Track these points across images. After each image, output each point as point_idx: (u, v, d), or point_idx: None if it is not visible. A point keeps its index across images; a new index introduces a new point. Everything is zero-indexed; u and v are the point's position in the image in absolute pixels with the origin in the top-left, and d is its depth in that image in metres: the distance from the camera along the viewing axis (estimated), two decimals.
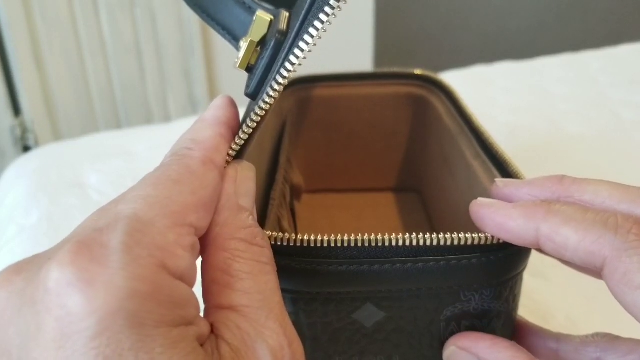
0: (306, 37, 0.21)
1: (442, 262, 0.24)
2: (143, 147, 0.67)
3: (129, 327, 0.15)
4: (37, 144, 1.22)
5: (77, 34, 1.20)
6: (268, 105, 0.22)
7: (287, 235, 0.24)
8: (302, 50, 0.21)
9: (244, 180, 0.22)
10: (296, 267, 0.24)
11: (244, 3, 0.24)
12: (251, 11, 0.24)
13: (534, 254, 0.45)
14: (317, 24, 0.21)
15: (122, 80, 1.27)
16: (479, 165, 0.34)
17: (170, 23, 1.26)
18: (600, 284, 0.43)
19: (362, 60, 1.51)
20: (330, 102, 0.49)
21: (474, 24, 1.84)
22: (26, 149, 1.23)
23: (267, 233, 0.24)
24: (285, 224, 0.36)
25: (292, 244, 0.24)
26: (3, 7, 1.10)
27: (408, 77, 0.47)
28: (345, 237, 0.24)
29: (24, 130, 1.22)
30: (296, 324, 0.25)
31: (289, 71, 0.21)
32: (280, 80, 0.21)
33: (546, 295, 0.41)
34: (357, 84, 0.48)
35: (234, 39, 0.25)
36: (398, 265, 0.24)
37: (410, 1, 1.77)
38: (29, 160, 0.67)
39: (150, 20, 1.25)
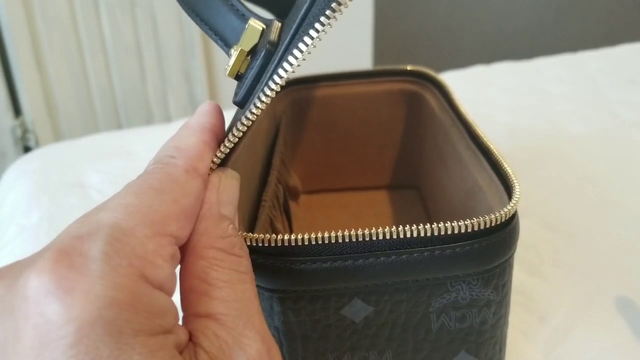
0: (295, 52, 0.21)
1: (426, 253, 0.24)
2: (143, 148, 0.67)
3: (108, 335, 0.15)
4: (37, 145, 1.22)
5: (78, 34, 1.20)
6: (255, 116, 0.22)
7: (268, 235, 0.24)
8: (291, 64, 0.21)
9: (227, 189, 0.22)
10: (281, 267, 0.24)
11: (238, 10, 0.24)
12: (244, 19, 0.24)
13: (534, 254, 0.45)
14: (307, 39, 0.21)
15: (122, 81, 1.27)
16: (469, 157, 0.34)
17: (171, 24, 1.26)
18: (599, 283, 0.43)
19: (361, 61, 1.51)
20: (325, 102, 0.49)
21: (473, 24, 1.84)
22: (27, 149, 1.24)
23: (250, 235, 0.24)
24: (279, 225, 0.36)
25: (274, 244, 0.24)
26: (3, 8, 1.10)
27: (401, 73, 0.47)
28: (326, 234, 0.24)
29: (25, 131, 1.22)
30: (285, 323, 0.25)
31: (276, 83, 0.21)
32: (268, 92, 0.21)
33: (545, 295, 0.41)
34: (351, 83, 0.48)
35: (226, 45, 0.25)
36: (382, 258, 0.24)
37: (410, 1, 1.78)
38: (30, 160, 0.67)
39: (150, 20, 1.25)
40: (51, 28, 1.16)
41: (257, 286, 0.25)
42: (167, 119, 1.35)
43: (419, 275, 0.25)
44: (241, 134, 0.22)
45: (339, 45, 1.44)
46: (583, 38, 1.85)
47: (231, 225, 0.21)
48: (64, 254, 0.16)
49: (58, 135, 1.25)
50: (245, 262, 0.20)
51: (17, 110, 1.21)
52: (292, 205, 0.46)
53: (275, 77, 0.21)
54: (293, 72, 0.21)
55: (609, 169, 0.58)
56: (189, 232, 0.19)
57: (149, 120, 1.34)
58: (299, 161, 0.51)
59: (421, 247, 0.24)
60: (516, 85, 0.83)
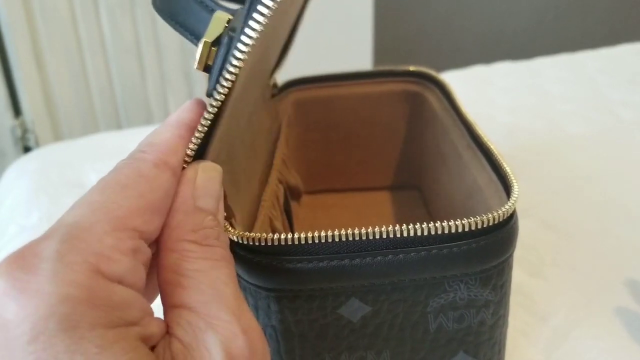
0: (247, 30, 0.21)
1: (422, 253, 0.24)
2: None
3: (62, 331, 0.15)
4: (37, 144, 1.22)
5: (78, 34, 1.20)
6: (219, 102, 0.22)
7: (265, 234, 0.24)
8: (246, 44, 0.21)
9: (205, 181, 0.21)
10: (277, 266, 0.24)
11: (207, 6, 0.24)
12: (213, 13, 0.24)
13: (534, 254, 0.45)
14: (257, 16, 0.21)
15: (122, 81, 1.27)
16: (469, 156, 0.34)
17: None
18: (599, 284, 0.43)
19: (361, 61, 1.51)
20: (327, 102, 0.49)
21: (473, 24, 1.84)
22: (27, 149, 1.23)
23: (247, 234, 0.24)
24: (278, 224, 0.36)
25: (270, 243, 0.24)
26: (3, 8, 1.10)
27: (403, 74, 0.47)
28: (323, 233, 0.24)
29: (25, 131, 1.22)
30: (282, 322, 0.26)
31: (235, 66, 0.21)
32: (228, 75, 0.21)
33: (545, 295, 0.41)
34: (353, 84, 0.48)
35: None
36: (379, 258, 0.24)
37: (410, 1, 1.78)
38: (30, 160, 0.67)
39: (150, 20, 1.25)
40: (51, 28, 1.16)
41: (254, 285, 0.25)
42: None
43: (416, 275, 0.25)
44: (208, 122, 0.22)
45: (339, 45, 1.44)
46: (583, 38, 1.85)
47: (209, 217, 0.21)
48: (20, 256, 0.16)
49: (58, 135, 1.25)
50: (219, 250, 0.20)
51: (17, 110, 1.21)
52: (294, 205, 0.46)
53: (232, 60, 0.21)
54: (253, 44, 0.21)
55: (609, 169, 0.58)
56: (157, 226, 0.19)
57: (148, 120, 1.34)
58: (301, 161, 0.51)
59: (418, 246, 0.24)
60: (516, 85, 0.83)
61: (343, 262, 0.24)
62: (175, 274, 0.19)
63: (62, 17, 1.16)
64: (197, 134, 0.22)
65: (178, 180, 0.21)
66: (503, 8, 1.84)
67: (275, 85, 0.47)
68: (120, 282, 0.17)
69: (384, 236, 0.24)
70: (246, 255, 0.24)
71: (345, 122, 0.50)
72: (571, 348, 0.37)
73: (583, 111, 0.73)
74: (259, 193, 0.36)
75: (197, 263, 0.19)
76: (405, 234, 0.24)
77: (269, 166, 0.40)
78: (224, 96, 0.22)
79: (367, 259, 0.24)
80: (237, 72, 0.21)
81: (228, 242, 0.21)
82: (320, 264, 0.24)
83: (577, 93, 0.79)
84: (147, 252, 0.19)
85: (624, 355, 0.36)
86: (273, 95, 0.47)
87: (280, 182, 0.41)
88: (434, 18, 1.81)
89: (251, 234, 0.24)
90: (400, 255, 0.24)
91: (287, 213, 0.42)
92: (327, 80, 0.49)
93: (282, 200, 0.40)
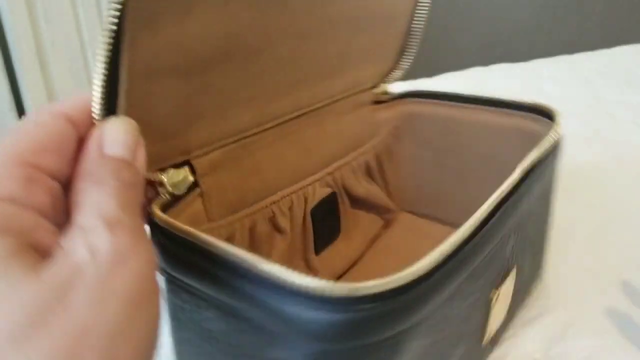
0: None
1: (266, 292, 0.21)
2: None
3: None
4: None
5: (80, 34, 1.21)
6: (109, 47, 0.22)
7: (155, 212, 0.25)
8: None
9: (112, 131, 0.23)
10: (160, 248, 0.25)
11: None
12: None
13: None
14: None
15: None
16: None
17: None
18: (595, 283, 0.43)
19: None
20: (445, 122, 0.45)
21: (470, 26, 1.85)
22: None
23: (152, 210, 0.25)
24: (284, 221, 0.36)
25: (156, 222, 0.25)
26: (6, 8, 1.11)
27: (529, 109, 0.41)
28: (197, 232, 0.24)
29: None
30: (168, 301, 0.27)
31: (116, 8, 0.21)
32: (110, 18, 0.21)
33: (543, 293, 0.41)
34: (474, 108, 0.44)
35: None
36: (234, 279, 0.22)
37: None
38: None
39: None
40: (54, 28, 1.17)
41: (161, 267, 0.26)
42: None
43: (252, 313, 0.22)
44: (104, 76, 0.22)
45: None
46: (580, 40, 1.86)
47: (116, 162, 0.22)
48: None
49: None
50: (113, 187, 0.22)
51: (20, 110, 1.22)
52: (369, 217, 0.44)
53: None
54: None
55: (606, 169, 0.59)
56: (59, 166, 0.22)
57: None
58: (407, 177, 0.47)
59: (269, 287, 0.21)
60: (513, 86, 0.84)
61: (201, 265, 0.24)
62: (72, 204, 0.21)
63: (65, 17, 1.17)
64: (94, 92, 0.23)
65: (79, 130, 0.23)
66: (501, 10, 1.85)
67: (385, 92, 0.45)
68: (11, 200, 0.20)
69: (232, 259, 0.22)
70: (154, 231, 0.26)
71: (461, 150, 0.45)
72: (568, 346, 0.37)
73: (580, 112, 0.74)
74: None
75: (88, 192, 0.21)
76: (257, 271, 0.21)
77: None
78: (112, 40, 0.21)
79: (220, 272, 0.23)
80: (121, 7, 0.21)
81: (134, 181, 0.23)
82: (179, 257, 0.24)
83: (573, 94, 0.80)
84: (49, 182, 0.22)
85: (620, 353, 0.36)
86: (378, 102, 0.44)
87: (329, 185, 0.40)
88: (432, 19, 1.82)
89: (153, 210, 0.25)
90: (248, 284, 0.22)
91: (329, 217, 0.40)
92: (446, 98, 0.45)
93: (312, 202, 0.38)
